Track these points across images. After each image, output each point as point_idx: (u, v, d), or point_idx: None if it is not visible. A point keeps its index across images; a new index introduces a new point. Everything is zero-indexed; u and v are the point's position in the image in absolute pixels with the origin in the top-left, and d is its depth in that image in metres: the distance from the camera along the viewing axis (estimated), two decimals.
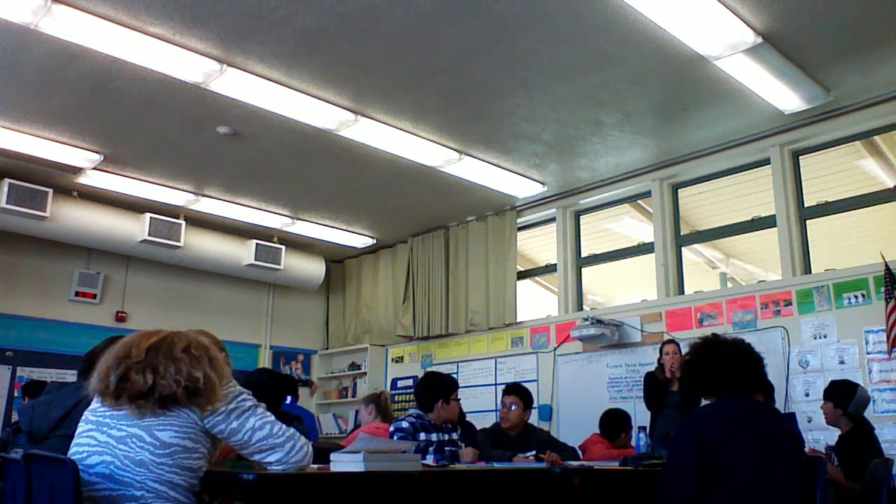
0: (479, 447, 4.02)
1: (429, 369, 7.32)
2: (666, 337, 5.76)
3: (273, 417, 2.07)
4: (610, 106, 5.04)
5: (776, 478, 2.47)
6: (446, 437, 3.83)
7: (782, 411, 4.68)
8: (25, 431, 2.50)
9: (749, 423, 2.55)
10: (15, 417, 5.60)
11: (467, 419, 5.29)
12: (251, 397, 2.07)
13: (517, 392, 4.42)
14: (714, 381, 2.62)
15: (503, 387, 4.67)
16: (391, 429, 3.87)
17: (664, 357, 4.88)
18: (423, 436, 3.72)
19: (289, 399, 4.74)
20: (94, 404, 2.04)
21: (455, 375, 7.17)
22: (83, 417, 2.04)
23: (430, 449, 3.65)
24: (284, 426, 2.07)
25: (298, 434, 2.09)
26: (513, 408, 4.36)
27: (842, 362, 4.84)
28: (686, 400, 4.65)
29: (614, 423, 4.98)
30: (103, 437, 1.94)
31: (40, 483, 1.93)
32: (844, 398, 3.89)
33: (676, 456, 2.55)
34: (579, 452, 4.64)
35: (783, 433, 2.59)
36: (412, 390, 7.48)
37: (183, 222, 6.92)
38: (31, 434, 2.47)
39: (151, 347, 2.00)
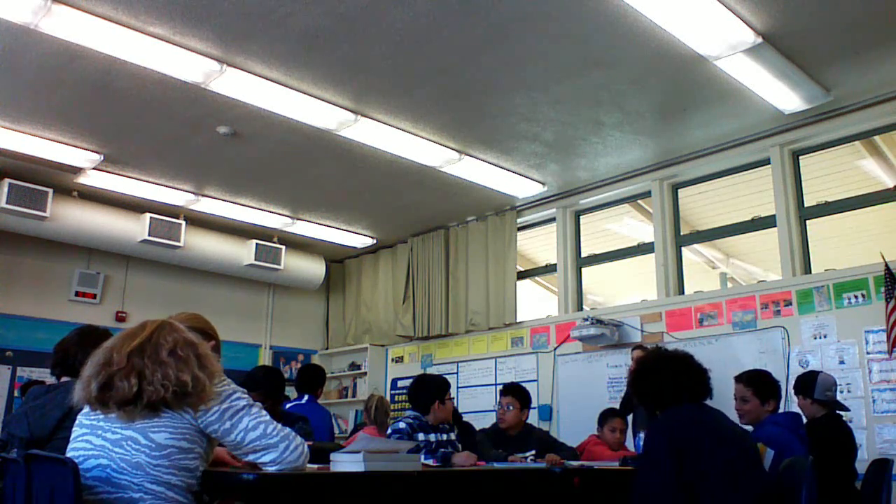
0: (478, 448, 4.02)
1: (428, 370, 7.32)
2: (666, 338, 5.77)
3: (268, 417, 2.04)
4: (610, 106, 5.04)
5: (749, 476, 2.49)
6: (444, 437, 3.84)
7: (783, 410, 4.68)
8: (26, 438, 2.48)
9: (717, 425, 2.59)
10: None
11: (465, 420, 5.29)
12: (245, 396, 2.04)
13: (514, 392, 4.42)
14: (663, 393, 2.69)
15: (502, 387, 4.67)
16: (388, 430, 3.87)
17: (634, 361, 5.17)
18: (421, 436, 3.73)
19: (305, 398, 4.67)
20: (88, 408, 2.02)
21: (455, 375, 7.19)
22: (77, 422, 2.03)
23: (423, 449, 3.64)
24: (279, 426, 2.04)
25: (294, 434, 2.06)
26: (509, 408, 4.36)
27: (842, 362, 4.84)
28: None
29: (600, 418, 5.02)
30: (98, 440, 1.93)
31: (40, 483, 1.93)
32: (809, 387, 3.93)
33: (652, 457, 2.55)
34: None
35: (745, 434, 2.64)
36: None
37: (183, 222, 6.92)
38: (31, 440, 2.46)
39: (134, 351, 1.96)
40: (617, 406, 5.26)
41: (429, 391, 3.90)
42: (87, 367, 1.99)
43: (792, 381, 5.00)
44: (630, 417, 5.10)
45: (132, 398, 1.89)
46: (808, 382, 3.98)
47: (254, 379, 3.87)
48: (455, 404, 5.53)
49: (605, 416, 4.89)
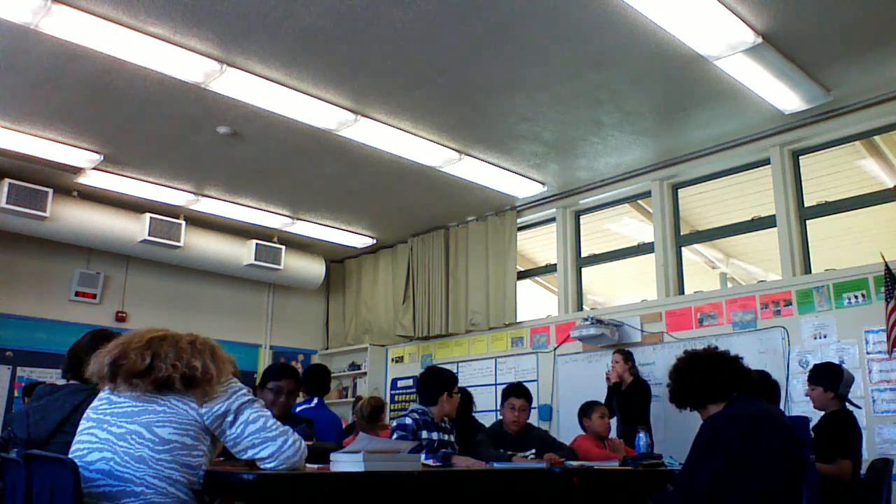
0: (479, 447, 4.01)
1: (431, 365, 7.31)
2: (666, 338, 5.77)
3: (269, 413, 2.08)
4: (610, 106, 5.04)
5: (794, 477, 2.49)
6: (445, 437, 3.83)
7: (784, 412, 4.68)
8: (24, 439, 2.48)
9: (769, 423, 2.57)
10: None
11: (475, 418, 5.26)
12: (249, 393, 2.08)
13: (526, 394, 4.44)
14: (702, 392, 2.69)
15: (503, 387, 4.66)
16: (393, 425, 3.84)
17: (612, 365, 5.35)
18: (424, 433, 3.71)
19: (315, 401, 4.64)
20: (96, 402, 2.06)
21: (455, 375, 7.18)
22: (84, 415, 2.05)
23: (424, 448, 3.62)
24: (278, 422, 2.07)
25: (292, 431, 2.09)
26: (523, 410, 4.38)
27: (842, 362, 4.81)
28: (623, 406, 5.12)
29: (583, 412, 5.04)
30: (104, 433, 1.95)
31: (40, 483, 1.93)
32: (834, 380, 3.91)
33: (699, 453, 2.55)
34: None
35: (794, 433, 2.63)
36: (412, 390, 7.48)
37: (183, 222, 6.92)
38: (29, 442, 2.45)
39: (155, 338, 2.04)
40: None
41: (438, 382, 3.84)
42: (108, 346, 2.06)
43: (792, 382, 5.03)
44: (614, 420, 5.15)
45: (142, 371, 1.95)
46: (834, 375, 3.92)
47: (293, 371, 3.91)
48: (470, 393, 5.48)
49: (588, 408, 4.90)
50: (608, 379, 5.40)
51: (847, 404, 3.92)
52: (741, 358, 2.77)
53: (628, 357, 5.37)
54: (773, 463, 2.45)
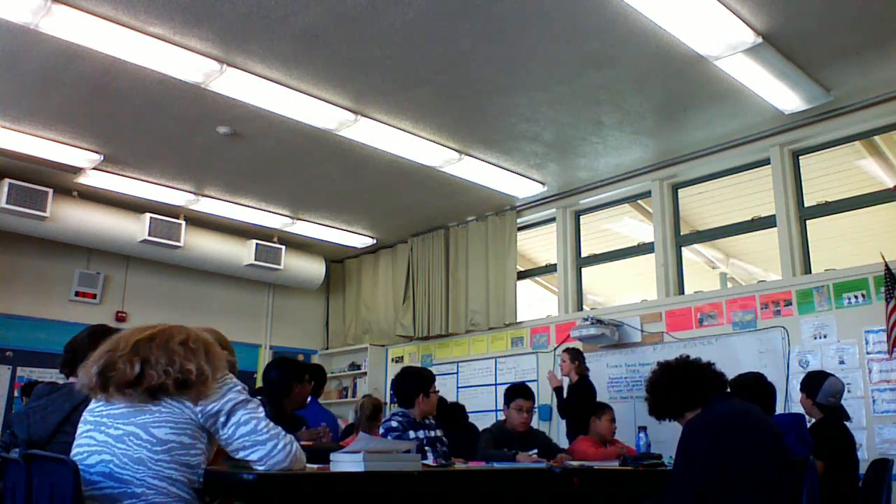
0: (479, 447, 4.02)
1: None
2: (666, 337, 5.77)
3: (262, 414, 2.03)
4: (610, 106, 5.04)
5: (780, 474, 2.49)
6: (432, 433, 3.81)
7: (783, 412, 4.68)
8: (24, 440, 2.48)
9: (743, 421, 2.58)
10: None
11: (470, 422, 5.28)
12: (244, 392, 2.04)
13: (532, 395, 4.47)
14: (679, 402, 2.73)
15: (504, 387, 4.66)
16: (381, 430, 3.84)
17: (559, 364, 5.44)
18: (411, 433, 3.70)
19: (308, 399, 4.63)
20: (92, 404, 2.04)
21: (455, 375, 7.19)
22: (82, 418, 2.04)
23: (426, 446, 3.63)
24: (271, 424, 2.03)
25: (284, 433, 2.04)
26: (530, 410, 4.41)
27: (842, 362, 4.84)
28: (566, 409, 5.20)
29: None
30: (101, 436, 1.94)
31: (40, 483, 1.93)
32: (814, 388, 3.92)
33: (686, 457, 2.56)
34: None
35: (773, 430, 2.64)
36: None
37: (183, 222, 6.92)
38: (30, 443, 2.45)
39: (143, 340, 1.98)
40: (619, 406, 5.28)
41: (412, 384, 3.82)
42: (92, 356, 2.01)
43: (792, 382, 5.03)
44: (565, 423, 5.21)
45: (132, 380, 1.91)
46: (814, 382, 3.94)
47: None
48: (463, 405, 5.53)
49: (598, 409, 4.90)
50: (550, 381, 5.47)
51: (838, 416, 3.90)
52: (713, 364, 2.80)
53: (576, 356, 5.39)
54: (752, 460, 2.46)
